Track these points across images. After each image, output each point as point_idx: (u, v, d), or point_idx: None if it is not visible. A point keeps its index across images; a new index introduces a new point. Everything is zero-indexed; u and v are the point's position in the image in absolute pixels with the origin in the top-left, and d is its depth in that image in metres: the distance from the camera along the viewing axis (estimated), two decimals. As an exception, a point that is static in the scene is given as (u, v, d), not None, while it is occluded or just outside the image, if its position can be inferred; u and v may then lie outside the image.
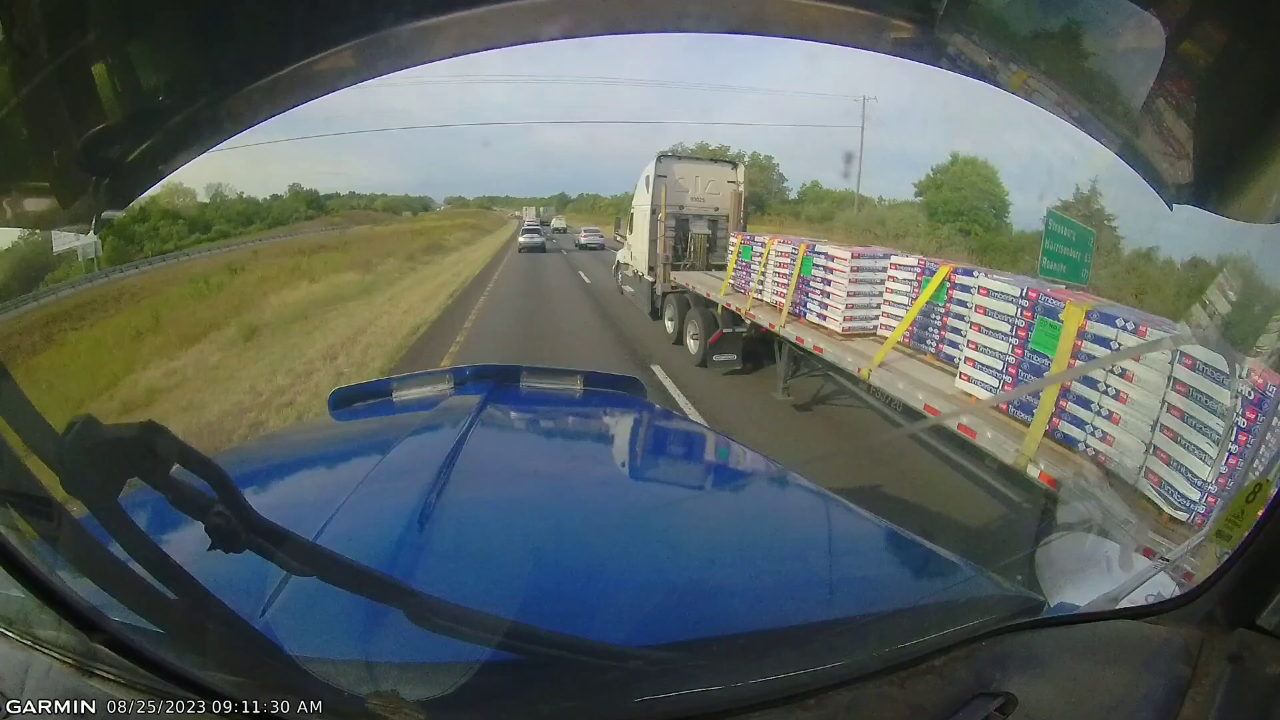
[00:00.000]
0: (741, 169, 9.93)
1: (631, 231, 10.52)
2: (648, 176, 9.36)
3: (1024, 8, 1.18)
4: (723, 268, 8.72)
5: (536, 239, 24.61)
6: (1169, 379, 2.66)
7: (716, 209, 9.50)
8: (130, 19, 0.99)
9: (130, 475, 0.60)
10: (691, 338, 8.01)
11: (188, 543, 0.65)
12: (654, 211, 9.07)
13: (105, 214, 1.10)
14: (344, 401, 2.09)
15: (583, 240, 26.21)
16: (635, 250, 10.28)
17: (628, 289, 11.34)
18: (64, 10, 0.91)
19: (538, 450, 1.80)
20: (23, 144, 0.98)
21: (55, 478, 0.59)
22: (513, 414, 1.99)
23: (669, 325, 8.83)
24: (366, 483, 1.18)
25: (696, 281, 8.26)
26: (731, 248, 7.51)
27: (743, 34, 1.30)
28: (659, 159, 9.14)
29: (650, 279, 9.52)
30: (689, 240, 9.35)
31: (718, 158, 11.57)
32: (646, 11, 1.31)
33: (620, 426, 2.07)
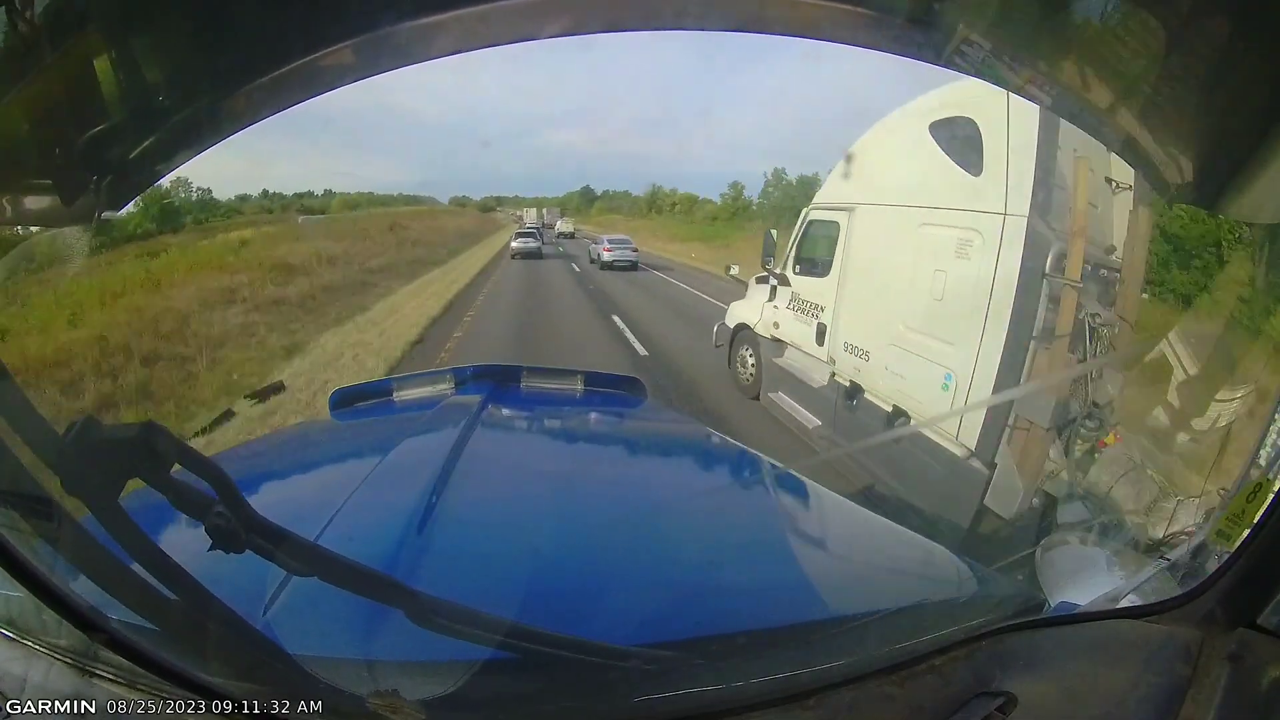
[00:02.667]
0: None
1: (835, 273, 4.89)
2: (966, 137, 3.79)
3: (1025, 7, 1.17)
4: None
5: (531, 244, 21.55)
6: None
7: (1109, 250, 3.75)
8: (131, 17, 0.99)
9: (130, 475, 0.60)
10: None
11: (188, 543, 0.65)
12: (1031, 240, 3.45)
13: (105, 214, 1.10)
14: (344, 401, 2.09)
15: (605, 256, 17.76)
16: (873, 339, 4.46)
17: (786, 401, 5.42)
18: (65, 9, 0.91)
19: (538, 450, 1.80)
20: (24, 143, 0.98)
21: (55, 478, 0.59)
22: (513, 414, 1.99)
23: None
24: (367, 483, 1.18)
25: None
26: None
27: (743, 33, 1.30)
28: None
29: (973, 458, 3.60)
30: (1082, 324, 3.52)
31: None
32: (647, 10, 1.31)
33: (621, 426, 2.07)
